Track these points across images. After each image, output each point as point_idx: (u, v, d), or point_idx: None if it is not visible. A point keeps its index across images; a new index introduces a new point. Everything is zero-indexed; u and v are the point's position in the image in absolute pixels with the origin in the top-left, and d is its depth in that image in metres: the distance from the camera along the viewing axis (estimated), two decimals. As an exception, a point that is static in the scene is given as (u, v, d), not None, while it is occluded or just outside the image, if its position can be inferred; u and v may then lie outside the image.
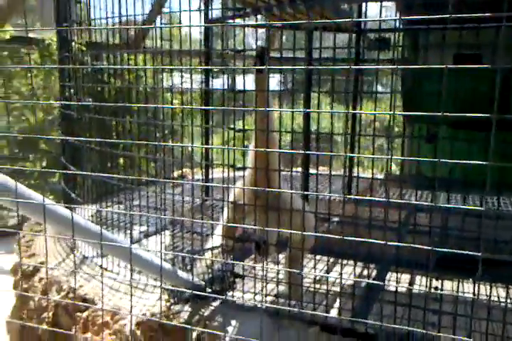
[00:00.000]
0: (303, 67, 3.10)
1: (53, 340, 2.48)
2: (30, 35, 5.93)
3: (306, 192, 2.99)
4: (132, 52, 3.87)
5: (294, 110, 1.91)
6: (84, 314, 2.34)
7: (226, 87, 2.88)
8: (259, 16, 3.96)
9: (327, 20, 2.81)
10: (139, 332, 2.15)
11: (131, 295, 2.32)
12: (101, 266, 2.69)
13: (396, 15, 4.81)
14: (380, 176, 4.95)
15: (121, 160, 4.41)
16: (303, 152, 3.08)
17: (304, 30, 3.42)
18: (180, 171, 5.57)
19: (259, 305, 2.20)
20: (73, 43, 3.69)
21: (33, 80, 5.79)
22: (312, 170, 3.42)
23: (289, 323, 2.08)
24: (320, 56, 2.90)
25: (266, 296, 2.23)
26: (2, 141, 5.84)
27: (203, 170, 4.44)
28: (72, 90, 3.62)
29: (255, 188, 2.07)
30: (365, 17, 3.93)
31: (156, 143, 2.77)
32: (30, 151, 5.72)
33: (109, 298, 2.38)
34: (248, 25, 3.38)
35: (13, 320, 2.82)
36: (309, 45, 3.19)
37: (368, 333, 1.95)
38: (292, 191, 2.07)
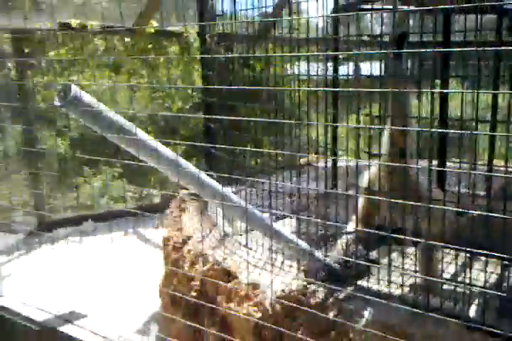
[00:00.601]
0: (462, 49, 2.96)
1: (201, 306, 2.79)
2: (170, 28, 6.48)
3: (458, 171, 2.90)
4: (265, 42, 4.05)
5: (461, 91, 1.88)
6: (228, 285, 2.60)
7: (355, 73, 2.90)
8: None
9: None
10: (278, 307, 2.33)
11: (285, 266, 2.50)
12: (240, 243, 2.94)
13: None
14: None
15: (250, 146, 4.62)
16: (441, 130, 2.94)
17: (442, 12, 3.24)
18: (306, 158, 5.70)
19: (395, 294, 2.23)
20: (207, 35, 4.02)
21: (173, 71, 6.36)
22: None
23: (427, 315, 2.08)
24: (464, 38, 2.75)
25: (401, 286, 2.25)
26: (148, 129, 6.53)
27: (331, 158, 4.50)
28: (211, 80, 3.92)
29: (391, 164, 2.09)
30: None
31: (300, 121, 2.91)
32: (170, 138, 6.32)
33: (249, 272, 2.60)
34: (389, 10, 3.31)
35: (165, 287, 3.23)
36: (447, 28, 3.05)
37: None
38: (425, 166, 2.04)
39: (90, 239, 5.58)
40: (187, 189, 4.46)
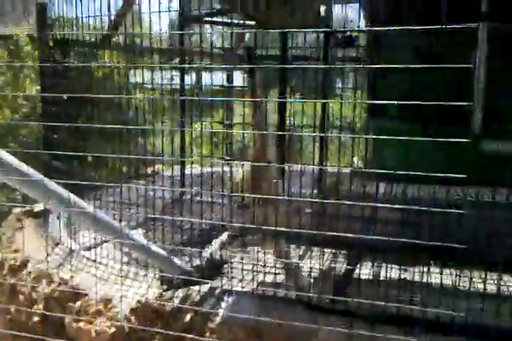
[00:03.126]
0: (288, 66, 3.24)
1: (45, 332, 2.54)
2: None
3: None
4: (107, 48, 3.94)
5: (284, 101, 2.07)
6: (77, 304, 2.42)
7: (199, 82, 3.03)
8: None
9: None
10: (133, 318, 2.25)
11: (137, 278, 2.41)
12: (89, 259, 2.77)
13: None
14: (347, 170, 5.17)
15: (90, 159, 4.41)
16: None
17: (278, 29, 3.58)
18: (152, 168, 5.63)
19: (246, 289, 2.35)
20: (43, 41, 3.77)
21: (0, 77, 5.71)
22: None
23: (275, 305, 2.24)
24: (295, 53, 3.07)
25: (253, 281, 2.37)
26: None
27: (179, 166, 4.55)
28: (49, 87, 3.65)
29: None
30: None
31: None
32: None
33: (99, 287, 2.46)
34: (228, 24, 3.50)
35: (1, 314, 2.86)
36: (284, 44, 3.36)
37: (348, 311, 2.13)
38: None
39: None
40: (22, 207, 4.04)
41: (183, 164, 4.52)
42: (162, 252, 2.22)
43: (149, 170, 5.84)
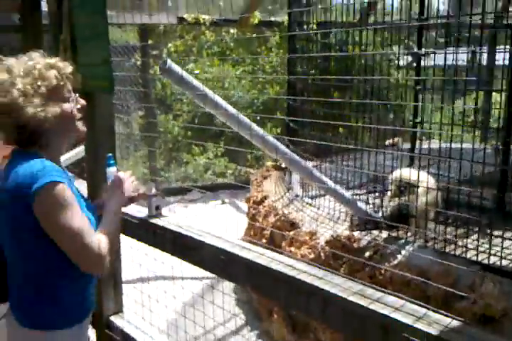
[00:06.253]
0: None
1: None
2: (272, 18, 7.05)
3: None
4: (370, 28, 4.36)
5: None
6: (291, 233, 3.11)
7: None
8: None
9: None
10: (327, 248, 2.78)
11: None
12: (307, 203, 3.42)
13: None
14: None
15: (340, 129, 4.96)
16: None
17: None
18: (391, 140, 5.90)
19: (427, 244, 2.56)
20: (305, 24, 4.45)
21: (274, 58, 6.94)
22: None
23: (454, 260, 2.38)
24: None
25: (435, 239, 2.56)
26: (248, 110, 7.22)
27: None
28: (299, 64, 4.38)
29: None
30: None
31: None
32: (268, 119, 6.96)
33: (310, 224, 3.08)
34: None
35: (245, 236, 3.84)
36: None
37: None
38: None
39: (197, 205, 6.53)
40: (276, 161, 5.03)
41: (414, 138, 4.65)
42: (360, 204, 2.67)
43: (387, 143, 6.15)
